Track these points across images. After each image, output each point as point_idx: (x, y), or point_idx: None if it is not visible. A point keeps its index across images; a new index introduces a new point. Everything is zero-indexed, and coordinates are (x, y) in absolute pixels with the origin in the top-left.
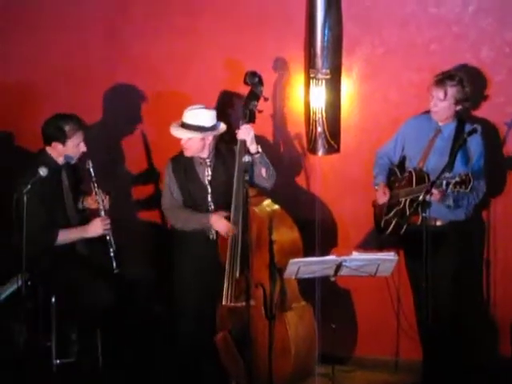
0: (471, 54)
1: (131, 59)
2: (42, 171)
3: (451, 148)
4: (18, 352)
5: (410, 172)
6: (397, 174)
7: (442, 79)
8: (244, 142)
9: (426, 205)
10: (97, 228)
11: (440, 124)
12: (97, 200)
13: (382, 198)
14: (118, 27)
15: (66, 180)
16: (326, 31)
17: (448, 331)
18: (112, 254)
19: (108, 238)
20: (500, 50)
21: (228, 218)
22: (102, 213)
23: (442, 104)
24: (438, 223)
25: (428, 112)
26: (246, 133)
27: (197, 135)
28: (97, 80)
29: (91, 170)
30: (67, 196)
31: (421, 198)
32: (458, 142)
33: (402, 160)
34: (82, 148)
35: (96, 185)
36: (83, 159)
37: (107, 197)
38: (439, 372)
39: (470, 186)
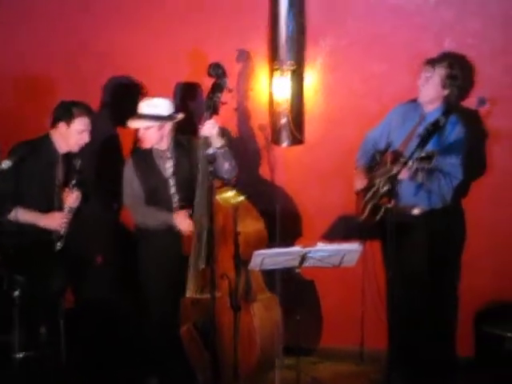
0: (433, 44)
1: (94, 53)
2: (5, 164)
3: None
4: None
5: (387, 154)
6: (377, 159)
7: (433, 59)
8: (208, 139)
9: (395, 180)
10: (52, 221)
11: (426, 111)
12: (66, 195)
13: (359, 183)
14: (80, 21)
15: (61, 173)
16: (290, 22)
17: (416, 323)
18: (58, 248)
19: (61, 233)
20: (462, 41)
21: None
22: (66, 210)
23: (429, 83)
24: (415, 211)
25: (416, 100)
26: (210, 128)
27: (153, 124)
28: (60, 74)
29: (77, 168)
30: (57, 188)
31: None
32: (427, 132)
33: (388, 146)
34: (85, 138)
35: (74, 182)
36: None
37: (76, 195)
38: (404, 362)
39: (433, 161)
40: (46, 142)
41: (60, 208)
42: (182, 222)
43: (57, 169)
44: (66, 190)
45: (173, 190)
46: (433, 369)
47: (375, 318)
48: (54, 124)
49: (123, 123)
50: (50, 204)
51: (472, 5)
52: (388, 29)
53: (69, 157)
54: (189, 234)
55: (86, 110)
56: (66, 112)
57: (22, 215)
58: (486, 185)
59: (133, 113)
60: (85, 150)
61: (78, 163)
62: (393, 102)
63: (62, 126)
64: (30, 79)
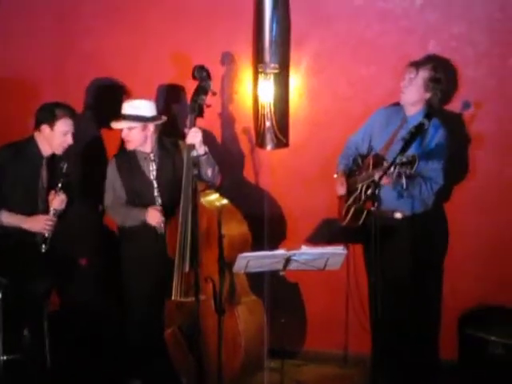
0: (418, 47)
1: (79, 55)
2: None
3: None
4: None
5: (369, 158)
6: (359, 163)
7: (417, 62)
8: (193, 146)
9: (377, 185)
10: (36, 223)
11: (408, 114)
12: (52, 198)
13: (340, 188)
14: (65, 23)
15: (45, 176)
16: (274, 25)
17: (399, 326)
18: (43, 251)
19: (46, 235)
20: (447, 44)
21: (163, 212)
22: (51, 213)
23: (412, 84)
24: (397, 215)
25: (398, 104)
26: (194, 136)
27: (137, 125)
28: (44, 76)
29: (63, 171)
30: (41, 191)
31: (375, 177)
32: (411, 135)
33: (370, 150)
34: (69, 140)
35: (60, 185)
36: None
37: (62, 198)
38: (387, 365)
39: (414, 166)
40: (30, 144)
41: (44, 211)
42: (151, 214)
43: (41, 172)
44: (52, 192)
45: (156, 192)
46: (416, 372)
47: (359, 322)
48: (36, 127)
49: (107, 125)
50: (34, 207)
51: (457, 8)
52: (373, 32)
53: (54, 160)
54: (158, 223)
55: (68, 112)
56: (48, 114)
57: (6, 218)
58: (470, 189)
59: (117, 114)
60: (69, 152)
61: (64, 166)
62: (378, 105)
63: (45, 128)
64: (15, 81)
